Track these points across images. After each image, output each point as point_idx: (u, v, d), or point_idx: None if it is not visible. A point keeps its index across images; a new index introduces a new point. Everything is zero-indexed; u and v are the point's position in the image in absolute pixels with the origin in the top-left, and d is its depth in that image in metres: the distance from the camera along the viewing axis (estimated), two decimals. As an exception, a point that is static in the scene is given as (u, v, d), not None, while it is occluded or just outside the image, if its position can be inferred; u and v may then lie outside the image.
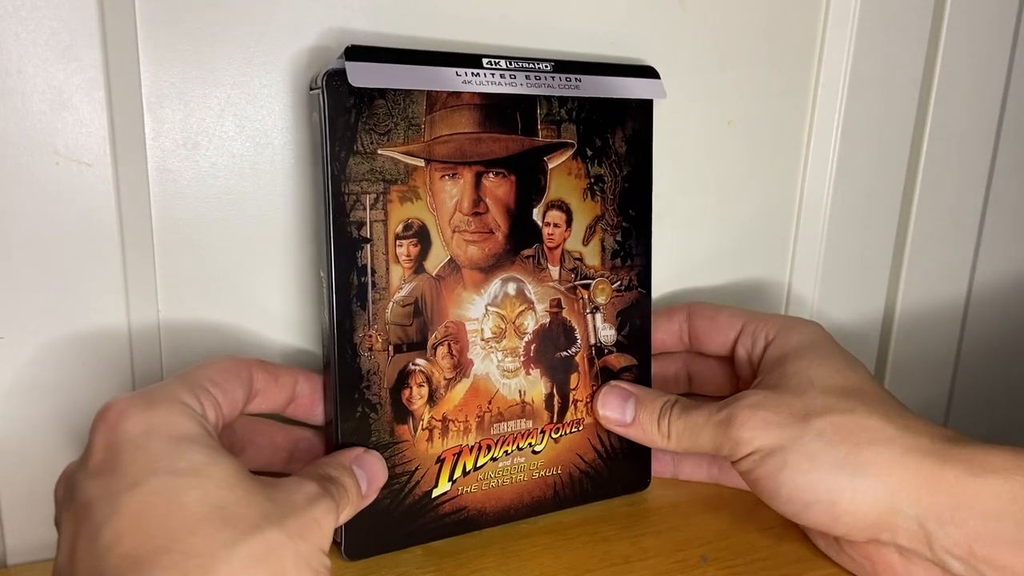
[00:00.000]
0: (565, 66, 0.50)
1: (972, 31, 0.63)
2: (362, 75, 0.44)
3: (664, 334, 0.57)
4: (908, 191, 0.66)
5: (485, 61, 0.48)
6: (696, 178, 0.59)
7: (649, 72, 0.53)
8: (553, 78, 0.49)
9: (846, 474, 0.44)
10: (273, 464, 0.47)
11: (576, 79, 0.50)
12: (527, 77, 0.48)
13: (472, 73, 0.47)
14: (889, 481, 0.44)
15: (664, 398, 0.52)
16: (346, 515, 0.42)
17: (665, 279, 0.60)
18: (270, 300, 0.51)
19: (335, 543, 0.47)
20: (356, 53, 0.44)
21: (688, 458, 0.58)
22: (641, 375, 0.55)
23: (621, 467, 0.55)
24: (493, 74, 0.48)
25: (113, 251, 0.47)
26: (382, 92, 0.44)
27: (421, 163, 0.46)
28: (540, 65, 0.49)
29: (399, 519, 0.48)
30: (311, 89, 0.45)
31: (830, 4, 0.60)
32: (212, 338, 0.50)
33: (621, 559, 0.50)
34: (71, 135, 0.45)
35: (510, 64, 0.48)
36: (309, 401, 0.47)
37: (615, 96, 0.51)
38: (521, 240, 0.49)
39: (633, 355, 0.54)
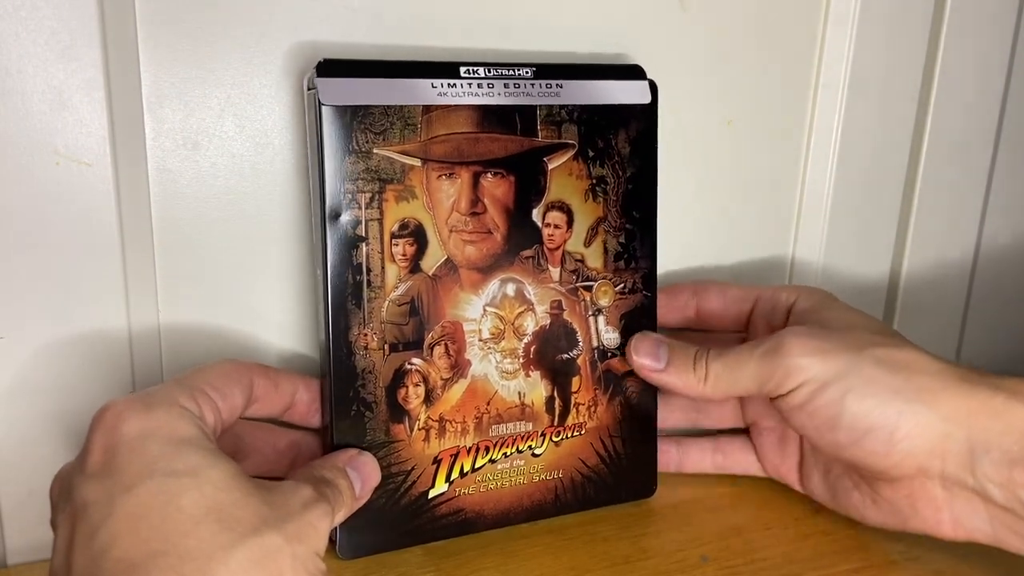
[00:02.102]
0: (547, 71, 0.49)
1: (972, 31, 0.63)
2: (333, 93, 0.44)
3: (667, 311, 0.56)
4: (908, 191, 0.65)
5: (463, 70, 0.47)
6: (696, 178, 0.59)
7: (635, 73, 0.52)
8: (533, 85, 0.49)
9: (905, 400, 0.45)
10: (276, 469, 0.47)
11: (558, 85, 0.49)
12: (505, 86, 0.48)
13: (448, 84, 0.47)
14: (943, 407, 0.45)
15: (697, 346, 0.51)
16: (340, 516, 0.42)
17: (662, 279, 0.60)
18: (270, 300, 0.51)
19: (329, 542, 0.47)
20: (329, 68, 0.44)
21: (693, 448, 0.57)
22: (647, 382, 0.53)
23: (626, 473, 0.54)
24: (471, 83, 0.47)
25: (113, 251, 0.47)
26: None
27: (417, 163, 0.46)
28: (521, 72, 0.48)
29: (395, 519, 0.48)
30: (308, 89, 0.45)
31: (830, 4, 0.60)
32: (212, 338, 0.50)
33: (621, 559, 0.50)
34: (71, 135, 0.45)
35: (488, 72, 0.48)
36: (308, 407, 0.47)
37: (596, 103, 0.50)
38: (520, 241, 0.49)
39: None
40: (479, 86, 0.47)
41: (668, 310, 0.56)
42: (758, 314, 0.54)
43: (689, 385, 0.50)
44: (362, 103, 0.44)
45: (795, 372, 0.47)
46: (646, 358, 0.51)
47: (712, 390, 0.50)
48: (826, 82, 0.61)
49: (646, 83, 0.52)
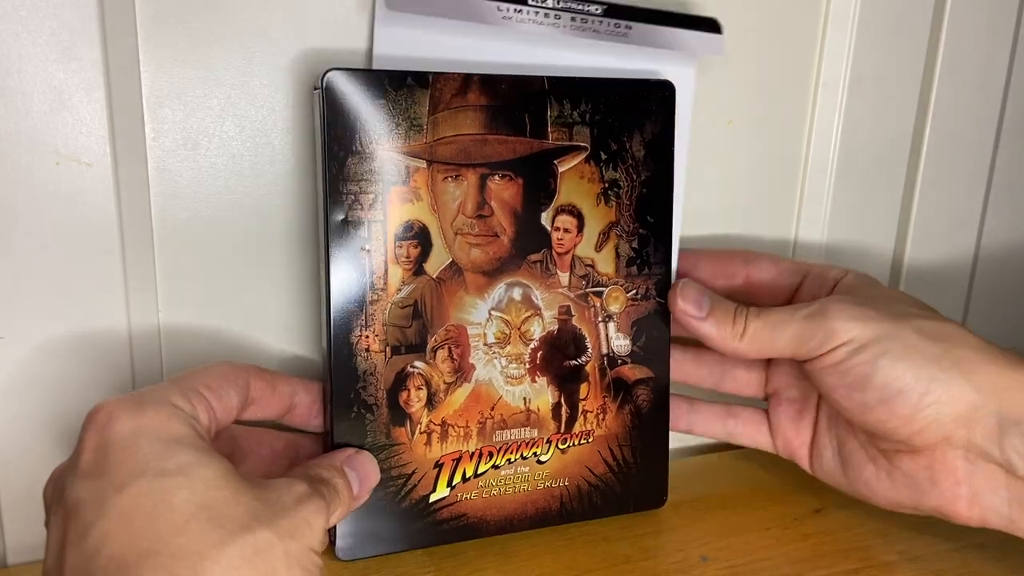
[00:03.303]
0: (617, 11, 0.48)
1: (972, 31, 0.63)
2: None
3: (716, 276, 0.55)
4: (908, 191, 0.65)
5: None
6: (696, 178, 0.59)
7: (710, 25, 0.51)
8: (600, 22, 0.48)
9: (940, 368, 0.46)
10: (274, 471, 0.47)
11: (627, 26, 0.48)
12: (572, 19, 0.47)
13: (514, 9, 0.46)
14: (978, 379, 0.46)
15: (739, 303, 0.51)
16: (338, 516, 0.42)
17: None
18: (270, 300, 0.51)
19: (329, 543, 0.47)
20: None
21: (706, 412, 0.57)
22: (658, 389, 0.53)
23: (635, 483, 0.53)
24: (537, 12, 0.46)
25: (113, 251, 0.47)
26: (383, 93, 0.44)
27: (423, 164, 0.46)
28: (589, 8, 0.47)
29: (394, 522, 0.48)
30: (315, 89, 0.45)
31: (830, 4, 0.60)
32: (212, 339, 0.50)
33: (621, 559, 0.50)
34: (71, 135, 0.45)
35: (557, 3, 0.47)
36: (309, 410, 0.47)
37: (665, 48, 0.49)
38: (528, 244, 0.49)
39: (650, 367, 0.53)
40: (545, 15, 0.47)
41: (716, 276, 0.55)
42: (805, 289, 0.54)
43: (726, 338, 0.50)
44: (423, 12, 0.44)
45: (836, 334, 0.47)
46: (689, 304, 0.51)
47: (748, 346, 0.50)
48: (826, 82, 0.61)
49: (720, 37, 0.51)
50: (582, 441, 0.51)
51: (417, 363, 0.47)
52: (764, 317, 0.50)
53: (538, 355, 0.50)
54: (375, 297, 0.46)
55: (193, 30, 0.46)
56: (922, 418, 0.46)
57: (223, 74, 0.47)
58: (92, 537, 0.34)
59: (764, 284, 0.55)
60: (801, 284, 0.54)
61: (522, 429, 0.50)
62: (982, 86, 0.65)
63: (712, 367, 0.57)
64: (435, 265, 0.47)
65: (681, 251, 0.55)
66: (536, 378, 0.50)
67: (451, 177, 0.46)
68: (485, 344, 0.48)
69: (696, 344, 0.53)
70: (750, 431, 0.56)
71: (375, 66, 0.47)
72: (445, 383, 0.48)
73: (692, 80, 0.53)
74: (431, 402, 0.48)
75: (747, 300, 0.53)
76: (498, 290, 0.48)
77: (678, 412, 0.56)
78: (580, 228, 0.50)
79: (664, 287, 0.52)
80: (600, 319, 0.51)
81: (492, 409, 0.49)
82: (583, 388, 0.51)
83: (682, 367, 0.56)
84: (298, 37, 0.48)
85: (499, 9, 0.46)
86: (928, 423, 0.46)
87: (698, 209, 0.59)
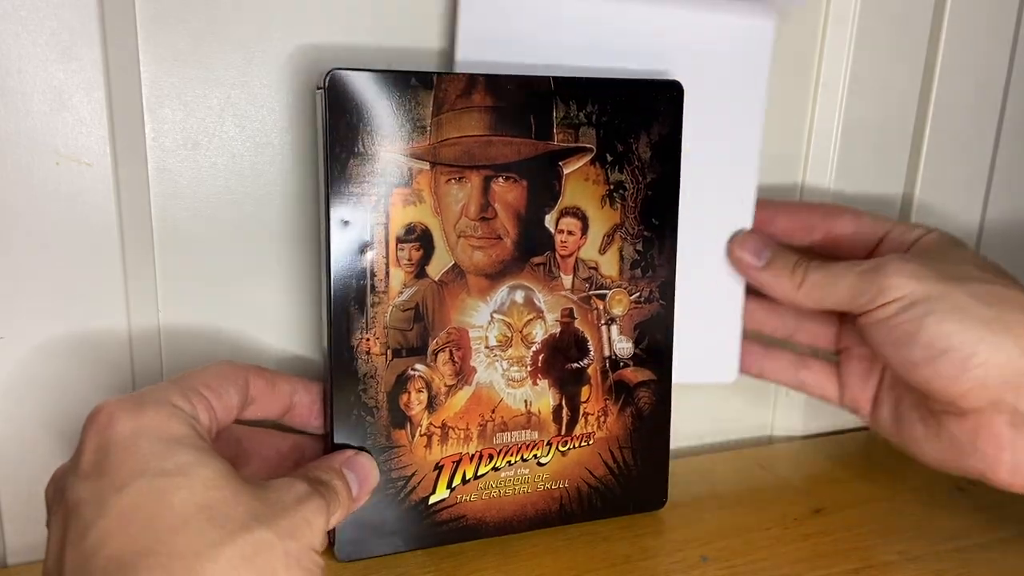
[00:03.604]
0: None
1: (972, 31, 0.63)
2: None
3: (793, 230, 0.56)
4: (908, 191, 0.65)
5: None
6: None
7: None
8: None
9: (990, 330, 0.46)
10: (279, 473, 0.47)
11: None
12: None
13: None
14: None
15: (800, 255, 0.53)
16: (338, 517, 0.42)
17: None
18: (270, 300, 0.51)
19: (329, 543, 0.47)
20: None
21: (780, 358, 0.58)
22: (660, 392, 0.53)
23: (635, 484, 0.53)
24: None
25: (113, 251, 0.47)
26: (387, 93, 0.44)
27: (426, 166, 0.45)
28: None
29: (394, 524, 0.48)
30: (317, 88, 0.45)
31: (830, 4, 0.60)
32: (212, 339, 0.50)
33: (621, 559, 0.50)
34: (71, 135, 0.45)
35: None
36: (309, 410, 0.47)
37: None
38: (531, 247, 0.48)
39: (652, 370, 0.53)
40: None
41: (794, 229, 0.56)
42: (885, 246, 0.54)
43: (784, 287, 0.52)
44: None
45: (888, 290, 0.48)
46: (746, 253, 0.53)
47: (805, 297, 0.51)
48: (826, 82, 0.61)
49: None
50: (583, 443, 0.51)
51: (418, 366, 0.47)
52: (823, 269, 0.51)
53: (540, 358, 0.50)
54: (376, 300, 0.45)
55: (193, 30, 0.46)
56: (968, 379, 0.46)
57: (223, 74, 0.47)
58: (91, 537, 0.34)
59: (844, 239, 0.56)
60: (882, 241, 0.55)
61: (523, 431, 0.50)
62: (982, 86, 0.65)
63: (786, 319, 0.58)
64: (437, 268, 0.46)
65: (760, 202, 0.55)
66: (537, 381, 0.50)
67: (454, 179, 0.46)
68: (487, 347, 0.48)
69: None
70: (820, 382, 0.57)
71: (461, 48, 0.48)
72: (446, 386, 0.48)
73: (772, 32, 0.53)
74: (432, 405, 0.48)
75: (826, 255, 0.54)
76: (500, 293, 0.48)
77: (751, 356, 0.57)
78: (584, 230, 0.49)
79: (667, 290, 0.52)
80: (603, 322, 0.51)
81: (493, 412, 0.49)
82: (584, 391, 0.51)
83: (756, 316, 0.57)
84: (298, 36, 0.48)
85: None
86: (974, 385, 0.46)
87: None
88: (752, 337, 0.58)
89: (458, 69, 0.48)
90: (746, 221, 0.55)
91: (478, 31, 0.48)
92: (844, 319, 0.57)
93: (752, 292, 0.56)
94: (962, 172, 0.67)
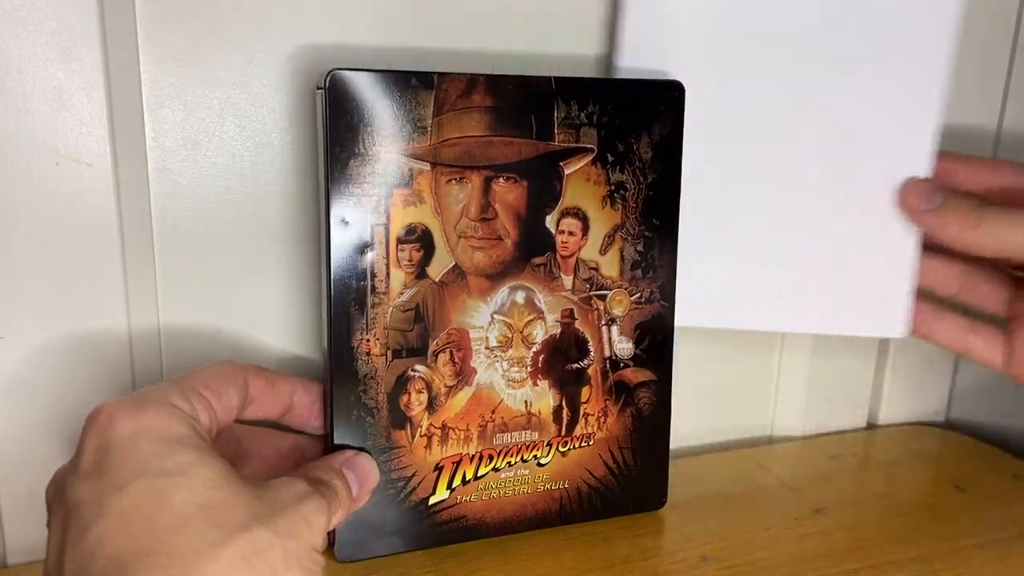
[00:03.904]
0: None
1: (972, 31, 0.63)
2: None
3: (982, 178, 0.53)
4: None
5: None
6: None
7: None
8: None
9: None
10: (279, 473, 0.47)
11: None
12: None
13: None
14: None
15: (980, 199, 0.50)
16: (338, 518, 0.42)
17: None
18: (270, 300, 0.51)
19: (329, 544, 0.47)
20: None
21: (950, 320, 0.55)
22: (660, 392, 0.53)
23: (635, 485, 0.53)
24: None
25: (113, 251, 0.47)
26: (388, 94, 0.44)
27: (427, 166, 0.45)
28: None
29: (394, 524, 0.48)
30: (317, 88, 0.45)
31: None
32: (212, 339, 0.50)
33: (621, 559, 0.50)
34: (71, 135, 0.45)
35: None
36: (308, 410, 0.47)
37: None
38: (532, 248, 0.48)
39: (652, 371, 0.52)
40: None
41: (978, 186, 0.53)
42: None
43: (957, 228, 0.49)
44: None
45: None
46: (914, 196, 0.51)
47: (982, 237, 0.49)
48: None
49: None
50: (583, 444, 0.51)
51: (418, 367, 0.47)
52: (1006, 212, 0.49)
53: (540, 358, 0.50)
54: (376, 300, 0.45)
55: (193, 30, 0.46)
56: None
57: (223, 74, 0.47)
58: (91, 537, 0.34)
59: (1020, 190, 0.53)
60: None
61: (523, 432, 0.50)
62: (982, 86, 0.65)
63: (958, 274, 0.56)
64: (437, 268, 0.46)
65: (941, 154, 0.53)
66: (538, 381, 0.50)
67: (455, 179, 0.46)
68: (487, 348, 0.48)
69: (949, 250, 0.52)
70: (987, 349, 0.54)
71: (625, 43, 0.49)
72: (446, 387, 0.48)
73: None
74: (432, 405, 0.48)
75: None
76: (501, 293, 0.48)
77: (921, 316, 0.55)
78: (585, 231, 0.49)
79: (668, 290, 0.52)
80: (603, 322, 0.51)
81: (493, 412, 0.49)
82: (585, 391, 0.51)
83: (928, 269, 0.54)
84: (298, 36, 0.48)
85: None
86: None
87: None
88: (923, 297, 0.55)
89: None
90: (923, 170, 0.53)
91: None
92: (1021, 285, 0.55)
93: (927, 247, 0.54)
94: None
